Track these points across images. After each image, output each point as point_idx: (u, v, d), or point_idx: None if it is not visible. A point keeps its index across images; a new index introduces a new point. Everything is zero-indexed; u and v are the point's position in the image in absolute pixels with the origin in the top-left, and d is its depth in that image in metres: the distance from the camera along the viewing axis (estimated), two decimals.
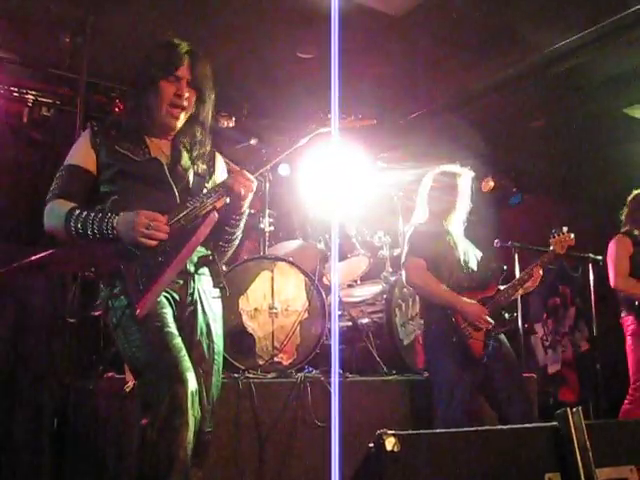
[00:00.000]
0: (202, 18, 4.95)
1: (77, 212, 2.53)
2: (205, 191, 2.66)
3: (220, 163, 2.93)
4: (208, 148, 2.85)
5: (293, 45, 5.58)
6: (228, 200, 2.60)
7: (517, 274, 4.82)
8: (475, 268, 4.04)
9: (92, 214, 2.52)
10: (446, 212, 4.11)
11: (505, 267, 4.32)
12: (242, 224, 2.77)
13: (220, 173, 2.90)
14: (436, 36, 5.40)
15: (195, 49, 2.73)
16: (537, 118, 6.87)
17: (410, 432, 1.69)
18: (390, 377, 4.37)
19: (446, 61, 5.78)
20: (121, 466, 3.57)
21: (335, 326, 4.34)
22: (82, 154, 2.68)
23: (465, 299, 3.84)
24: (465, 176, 4.16)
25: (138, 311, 2.41)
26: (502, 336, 3.96)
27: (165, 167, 2.68)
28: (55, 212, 2.59)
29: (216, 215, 2.57)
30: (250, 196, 2.66)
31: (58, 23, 5.10)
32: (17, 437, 4.07)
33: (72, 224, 2.51)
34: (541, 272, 4.01)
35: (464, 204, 4.14)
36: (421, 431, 1.74)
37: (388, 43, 5.54)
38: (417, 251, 3.97)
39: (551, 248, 4.07)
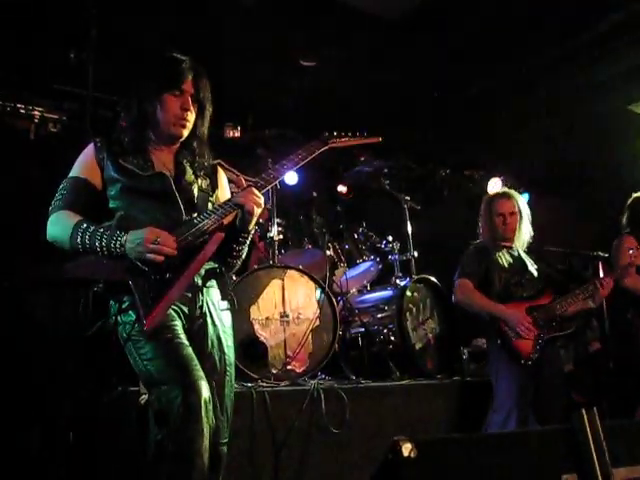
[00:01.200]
0: (205, 29, 4.98)
1: (84, 225, 2.54)
2: (212, 207, 2.68)
3: (222, 177, 2.95)
4: (210, 161, 2.88)
5: (295, 54, 5.61)
6: (238, 215, 2.62)
7: None
8: (526, 280, 4.22)
9: (100, 229, 2.53)
10: (507, 230, 4.29)
11: (562, 276, 4.47)
12: (249, 240, 2.78)
13: (223, 187, 2.93)
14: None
15: (197, 64, 2.76)
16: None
17: (427, 437, 1.69)
18: (403, 382, 4.38)
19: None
20: (137, 477, 3.58)
21: None
22: (87, 168, 2.69)
23: (504, 307, 4.05)
24: (520, 197, 4.43)
25: (146, 327, 2.42)
26: (556, 345, 4.20)
27: (171, 181, 2.69)
28: (61, 223, 2.60)
29: (222, 234, 2.59)
30: (258, 212, 2.66)
31: (62, 39, 5.13)
32: (33, 451, 4.08)
33: (79, 237, 2.52)
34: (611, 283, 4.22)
35: (525, 223, 4.33)
36: (437, 436, 1.75)
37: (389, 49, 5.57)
38: (464, 273, 4.21)
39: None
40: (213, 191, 2.85)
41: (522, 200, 4.42)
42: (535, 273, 4.29)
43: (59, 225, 2.61)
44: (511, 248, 4.32)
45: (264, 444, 3.54)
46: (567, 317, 4.15)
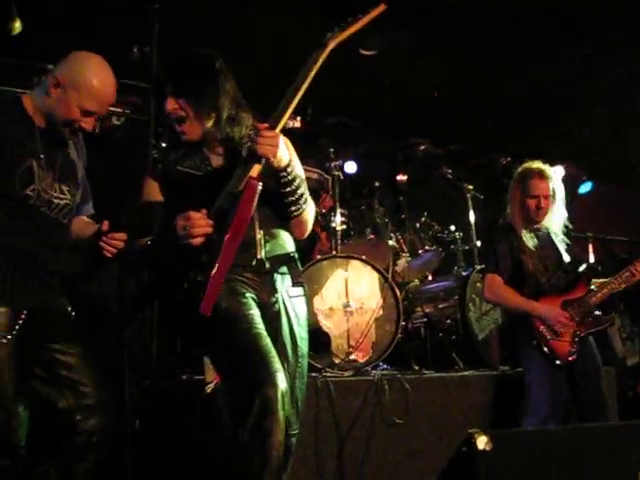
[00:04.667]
0: (264, 17, 4.99)
1: (149, 244, 2.59)
2: (240, 167, 2.53)
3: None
4: (244, 138, 2.71)
5: (355, 42, 5.58)
6: (261, 165, 2.47)
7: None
8: (560, 271, 4.02)
9: (153, 239, 2.58)
10: (539, 214, 4.04)
11: (599, 267, 4.23)
12: (295, 177, 2.61)
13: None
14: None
15: (180, 54, 2.69)
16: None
17: (502, 430, 1.68)
18: (466, 372, 4.34)
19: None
20: (204, 467, 3.63)
21: None
22: (149, 187, 2.72)
23: (539, 304, 3.86)
24: (556, 175, 4.13)
25: (203, 313, 2.38)
26: (590, 338, 3.93)
27: (224, 174, 2.60)
28: (133, 249, 2.67)
29: (258, 183, 2.43)
30: (281, 150, 2.49)
31: (125, 33, 5.21)
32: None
33: (150, 255, 2.59)
34: None
35: (559, 205, 4.08)
36: (512, 429, 1.73)
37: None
38: (493, 267, 4.00)
39: None
40: None
41: (557, 179, 4.13)
42: (567, 258, 4.06)
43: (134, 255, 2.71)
44: (542, 230, 4.07)
45: (328, 434, 3.56)
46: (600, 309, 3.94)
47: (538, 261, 3.97)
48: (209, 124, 2.63)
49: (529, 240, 4.01)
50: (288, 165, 2.56)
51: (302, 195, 2.65)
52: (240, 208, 2.40)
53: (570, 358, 3.78)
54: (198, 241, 2.41)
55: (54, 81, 2.53)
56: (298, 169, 2.71)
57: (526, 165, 4.16)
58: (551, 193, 4.03)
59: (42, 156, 2.56)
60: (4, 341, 2.42)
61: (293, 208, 2.65)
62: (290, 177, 2.58)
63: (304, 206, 2.68)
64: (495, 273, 3.97)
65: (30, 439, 2.54)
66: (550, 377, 3.75)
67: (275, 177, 2.57)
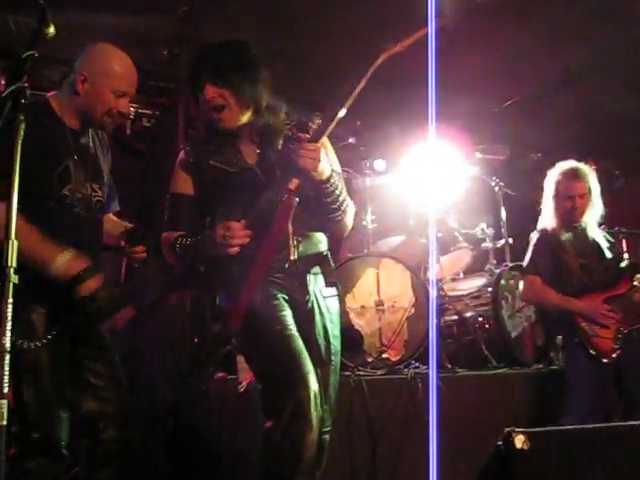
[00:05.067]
0: (296, 22, 4.99)
1: (180, 240, 2.59)
2: (279, 176, 2.54)
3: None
4: (288, 127, 2.72)
5: (386, 42, 5.55)
6: (298, 181, 2.46)
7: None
8: (602, 268, 4.00)
9: (189, 240, 2.57)
10: (575, 214, 4.03)
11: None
12: (336, 187, 2.59)
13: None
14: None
15: (210, 47, 2.66)
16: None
17: (540, 429, 1.66)
18: (500, 370, 4.31)
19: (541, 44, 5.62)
20: (237, 466, 3.65)
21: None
22: (180, 179, 2.72)
23: (579, 301, 3.86)
24: (591, 172, 4.10)
25: (232, 327, 2.45)
26: (634, 334, 3.92)
27: (259, 174, 2.64)
28: (165, 245, 2.68)
29: (295, 200, 2.46)
30: (321, 164, 2.47)
31: (155, 36, 5.25)
32: (134, 439, 4.19)
33: (178, 253, 2.59)
34: None
35: (596, 202, 4.06)
36: (550, 428, 1.71)
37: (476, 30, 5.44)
38: (532, 268, 4.04)
39: None
40: None
41: (592, 176, 4.09)
42: (609, 254, 4.04)
43: (165, 247, 2.68)
44: (580, 228, 4.04)
45: (362, 433, 3.55)
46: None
47: (578, 259, 3.97)
48: (247, 112, 2.63)
49: (568, 239, 4.00)
50: (330, 177, 2.55)
51: (343, 201, 2.65)
52: (276, 223, 2.45)
53: (613, 355, 3.76)
54: (235, 251, 2.45)
55: (81, 77, 2.56)
56: (336, 167, 2.70)
57: (560, 165, 4.14)
58: (587, 192, 4.01)
59: (75, 156, 2.59)
60: (44, 341, 2.44)
61: (333, 215, 2.66)
62: (331, 189, 2.58)
63: (345, 212, 2.68)
64: (534, 274, 3.99)
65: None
66: (593, 374, 3.75)
67: (316, 188, 2.56)
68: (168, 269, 2.86)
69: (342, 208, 2.66)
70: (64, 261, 2.41)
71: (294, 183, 2.46)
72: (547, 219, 4.11)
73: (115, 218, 2.95)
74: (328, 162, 2.57)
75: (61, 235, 2.51)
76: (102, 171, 2.76)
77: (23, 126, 1.89)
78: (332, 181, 2.57)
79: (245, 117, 2.64)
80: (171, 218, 2.71)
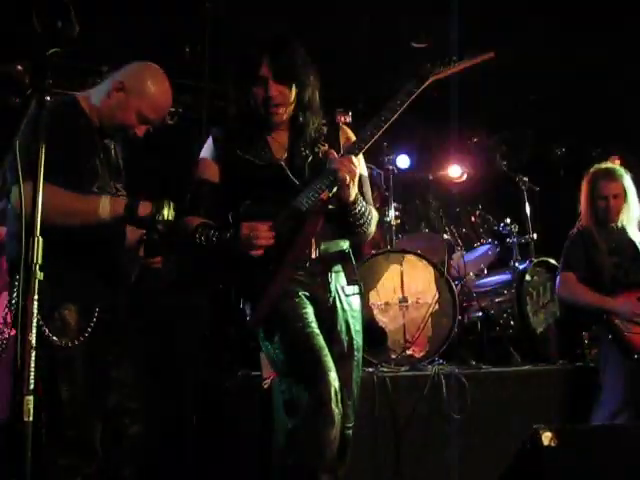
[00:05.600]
0: (319, 17, 4.98)
1: (200, 229, 2.58)
2: (312, 183, 2.53)
3: (347, 133, 2.81)
4: (324, 128, 2.74)
5: (408, 36, 5.54)
6: (334, 190, 2.48)
7: None
8: (637, 266, 4.00)
9: (211, 232, 2.56)
10: (610, 214, 4.06)
11: None
12: (362, 208, 2.60)
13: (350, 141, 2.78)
14: None
15: (275, 39, 2.64)
16: None
17: (567, 426, 1.65)
18: (525, 367, 4.29)
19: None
20: (261, 463, 3.66)
21: None
22: (206, 166, 2.72)
23: (613, 299, 3.86)
24: (626, 173, 4.13)
25: (253, 328, 2.48)
26: None
27: (287, 170, 2.63)
28: (183, 228, 2.65)
29: (322, 218, 2.51)
30: (355, 182, 2.48)
31: (177, 32, 5.27)
32: (161, 437, 4.21)
33: (197, 241, 2.57)
34: None
35: (632, 202, 4.08)
36: (578, 424, 1.69)
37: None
38: (567, 265, 4.06)
39: None
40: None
41: (628, 178, 4.12)
42: None
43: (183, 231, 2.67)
44: (616, 228, 4.06)
45: (386, 429, 3.55)
46: None
47: (611, 258, 3.99)
48: (292, 107, 2.66)
49: (603, 238, 4.03)
50: (356, 200, 2.55)
51: (367, 218, 2.64)
52: (305, 231, 2.47)
53: None
54: (259, 253, 2.46)
55: (118, 85, 2.57)
56: (363, 170, 2.71)
57: (596, 165, 4.20)
58: (622, 192, 4.04)
59: (102, 155, 2.60)
60: (81, 339, 2.44)
61: (357, 229, 2.65)
62: (357, 210, 2.58)
63: (368, 224, 2.68)
64: (569, 271, 4.02)
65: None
66: (626, 371, 3.74)
67: (342, 206, 2.56)
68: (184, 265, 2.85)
69: (366, 224, 2.66)
70: (108, 201, 2.41)
71: (326, 194, 2.48)
72: (583, 218, 4.16)
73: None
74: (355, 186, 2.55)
75: (96, 233, 2.52)
76: (122, 172, 2.77)
77: (47, 124, 1.90)
78: (357, 204, 2.56)
79: (292, 110, 2.67)
80: (194, 204, 2.68)
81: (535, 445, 1.56)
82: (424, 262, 4.31)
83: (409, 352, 4.12)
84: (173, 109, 6.21)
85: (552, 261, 4.95)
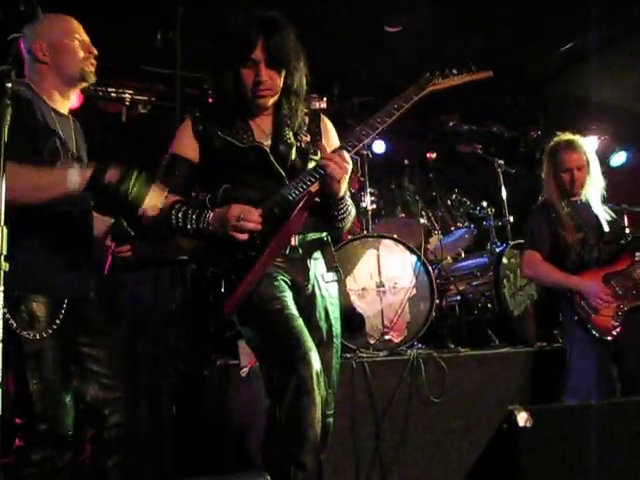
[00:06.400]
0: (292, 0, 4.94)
1: (177, 206, 2.53)
2: (302, 175, 2.53)
3: (326, 124, 2.82)
4: (307, 117, 2.74)
5: (380, 19, 5.52)
6: (322, 184, 2.49)
7: None
8: (602, 243, 3.90)
9: (190, 210, 2.52)
10: (574, 187, 3.94)
11: None
12: (347, 205, 2.64)
13: (329, 133, 2.80)
14: None
15: (270, 21, 2.57)
16: None
17: (542, 406, 1.64)
18: (503, 349, 4.29)
19: None
20: (243, 449, 3.65)
21: None
22: (185, 143, 2.66)
23: (579, 279, 3.76)
24: (588, 144, 4.05)
25: (226, 312, 2.45)
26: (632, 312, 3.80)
27: (269, 154, 2.61)
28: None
29: (312, 202, 2.51)
30: (346, 179, 2.52)
31: (148, 19, 5.20)
32: (140, 427, 4.19)
33: (173, 220, 2.52)
34: None
35: (595, 175, 3.97)
36: (553, 405, 1.69)
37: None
38: (532, 243, 3.94)
39: None
40: (314, 144, 2.70)
41: (590, 148, 4.02)
42: (607, 228, 3.92)
43: None
44: (580, 202, 3.96)
45: (365, 414, 3.54)
46: None
47: (577, 233, 3.88)
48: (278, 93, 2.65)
49: (567, 213, 3.92)
50: (344, 196, 2.58)
51: (349, 215, 2.69)
52: (291, 222, 2.47)
53: (614, 332, 3.69)
54: (244, 237, 2.43)
55: (38, 48, 2.56)
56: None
57: (556, 138, 4.08)
58: (585, 164, 3.94)
59: (62, 135, 2.56)
60: (49, 331, 2.41)
61: (338, 224, 2.68)
62: (342, 205, 2.61)
63: (347, 222, 2.72)
64: (533, 249, 3.91)
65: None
66: (593, 352, 3.67)
67: (329, 201, 2.57)
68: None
69: (347, 219, 2.69)
70: (75, 171, 2.34)
71: (315, 187, 2.48)
72: (547, 193, 4.04)
73: (97, 215, 2.83)
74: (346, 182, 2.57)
75: (61, 218, 2.48)
76: (83, 157, 2.71)
77: (9, 109, 1.86)
78: (344, 201, 2.60)
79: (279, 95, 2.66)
80: (165, 178, 2.57)
81: (511, 426, 1.56)
82: (401, 246, 4.30)
83: (387, 337, 4.11)
84: (146, 98, 6.16)
85: None
